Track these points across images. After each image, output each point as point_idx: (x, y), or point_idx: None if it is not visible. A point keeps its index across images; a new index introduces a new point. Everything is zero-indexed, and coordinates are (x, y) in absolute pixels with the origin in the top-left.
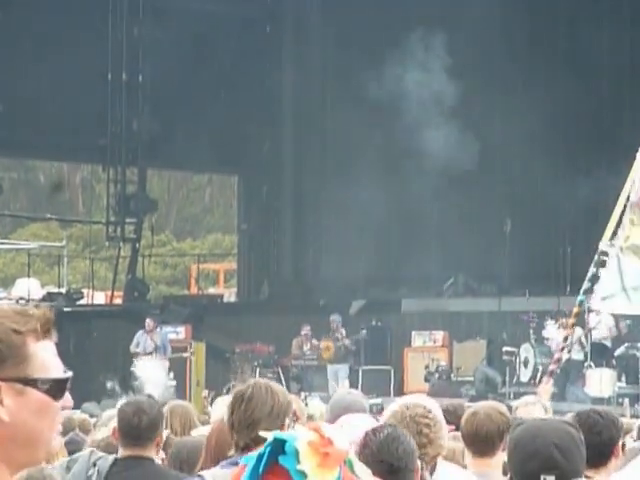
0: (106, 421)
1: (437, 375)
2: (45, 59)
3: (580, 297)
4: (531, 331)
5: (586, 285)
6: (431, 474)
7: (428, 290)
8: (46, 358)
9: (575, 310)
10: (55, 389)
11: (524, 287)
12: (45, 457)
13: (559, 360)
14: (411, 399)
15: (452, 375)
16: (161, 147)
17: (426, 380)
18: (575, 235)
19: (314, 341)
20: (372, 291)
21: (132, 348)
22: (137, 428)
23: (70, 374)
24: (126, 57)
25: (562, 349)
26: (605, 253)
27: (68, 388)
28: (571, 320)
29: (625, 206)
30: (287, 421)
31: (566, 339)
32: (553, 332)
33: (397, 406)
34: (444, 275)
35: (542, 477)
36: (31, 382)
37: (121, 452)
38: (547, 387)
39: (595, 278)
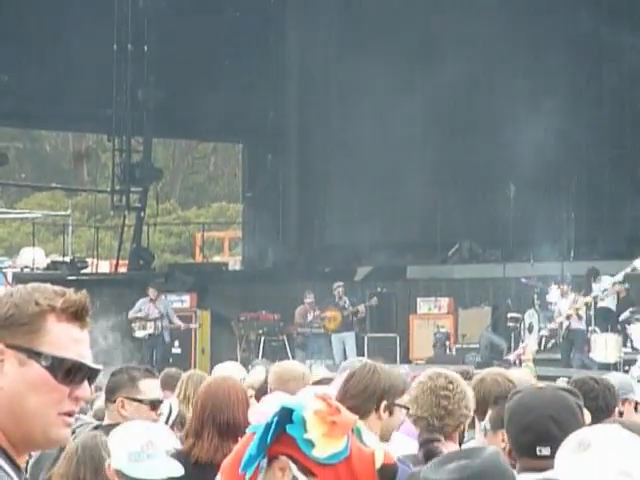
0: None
1: (439, 342)
2: (50, 30)
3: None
4: (535, 296)
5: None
6: (460, 444)
7: (433, 257)
8: (61, 338)
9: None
10: (58, 368)
11: (528, 252)
12: (44, 443)
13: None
14: (436, 370)
15: (448, 343)
16: (166, 116)
17: (434, 347)
18: (579, 200)
19: (317, 309)
20: (377, 258)
21: (131, 314)
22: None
23: (89, 362)
24: (131, 27)
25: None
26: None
27: (90, 380)
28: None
29: None
30: (384, 403)
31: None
32: (557, 297)
33: (423, 376)
34: (449, 241)
35: (537, 449)
36: (34, 355)
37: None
38: (530, 347)
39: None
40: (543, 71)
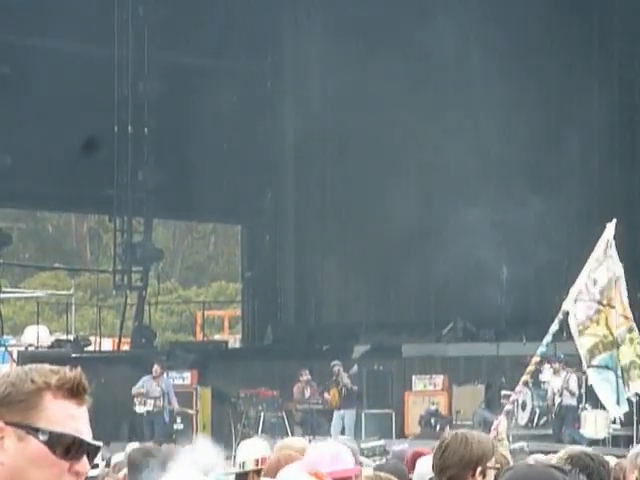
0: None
1: (432, 419)
2: (52, 112)
3: (541, 349)
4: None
5: (547, 339)
6: None
7: (428, 335)
8: (57, 414)
9: (535, 360)
10: (56, 444)
11: (520, 332)
12: None
13: (514, 402)
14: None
15: (433, 419)
16: (166, 197)
17: (419, 424)
18: (567, 282)
19: (316, 387)
20: (374, 336)
21: (134, 390)
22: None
23: (87, 437)
24: (131, 109)
25: (517, 392)
26: (567, 312)
27: (89, 455)
28: (529, 368)
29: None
30: (479, 469)
31: (526, 383)
32: (549, 376)
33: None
34: (443, 320)
35: None
36: (32, 430)
37: None
38: (502, 425)
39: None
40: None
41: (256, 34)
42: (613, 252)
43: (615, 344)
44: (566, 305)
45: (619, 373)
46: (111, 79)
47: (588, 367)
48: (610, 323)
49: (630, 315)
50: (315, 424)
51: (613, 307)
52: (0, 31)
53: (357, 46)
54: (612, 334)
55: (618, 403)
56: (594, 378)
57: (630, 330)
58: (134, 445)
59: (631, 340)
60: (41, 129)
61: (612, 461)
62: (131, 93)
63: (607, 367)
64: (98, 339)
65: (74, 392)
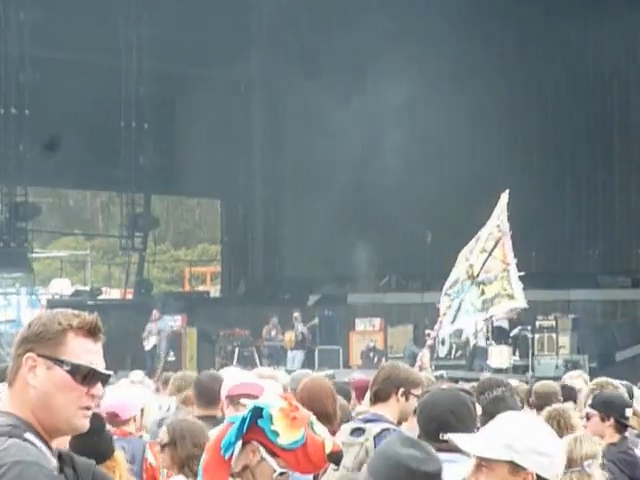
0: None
1: (371, 353)
2: (73, 112)
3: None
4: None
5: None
6: None
7: (368, 286)
8: (78, 349)
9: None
10: (76, 373)
11: (441, 284)
12: (68, 430)
13: (434, 338)
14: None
15: (372, 354)
16: (161, 178)
17: (361, 357)
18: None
19: (279, 329)
20: (325, 287)
21: (144, 335)
22: (213, 391)
23: (101, 369)
24: (134, 108)
25: (436, 330)
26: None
27: (102, 382)
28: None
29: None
30: (402, 390)
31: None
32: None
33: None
34: (381, 274)
35: (440, 435)
36: (58, 362)
37: (197, 412)
38: (425, 357)
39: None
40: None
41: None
42: (504, 215)
43: (472, 280)
44: (466, 256)
45: (463, 303)
46: (118, 84)
47: (445, 294)
48: (481, 265)
49: (509, 261)
50: (278, 357)
51: (490, 253)
52: (33, 46)
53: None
54: (474, 273)
55: (452, 322)
56: (443, 301)
57: (504, 270)
58: (138, 372)
59: (502, 278)
60: (64, 125)
61: (514, 383)
62: (134, 96)
63: (456, 295)
64: (108, 289)
65: (91, 332)
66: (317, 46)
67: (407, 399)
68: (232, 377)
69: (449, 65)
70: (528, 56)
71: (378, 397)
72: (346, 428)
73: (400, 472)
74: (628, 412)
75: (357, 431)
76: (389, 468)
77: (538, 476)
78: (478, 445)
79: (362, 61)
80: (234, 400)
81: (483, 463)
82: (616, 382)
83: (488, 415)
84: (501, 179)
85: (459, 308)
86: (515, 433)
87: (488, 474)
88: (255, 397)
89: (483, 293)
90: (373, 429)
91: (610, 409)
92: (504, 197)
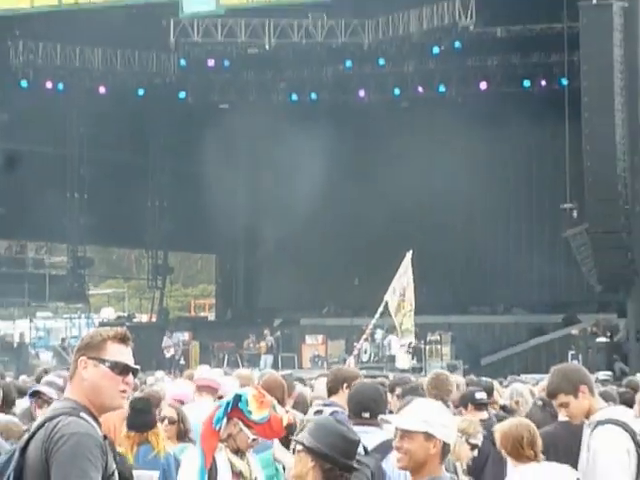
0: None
1: (316, 359)
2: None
3: (373, 321)
4: (372, 336)
5: (377, 316)
6: None
7: (314, 313)
8: (114, 352)
9: (369, 327)
10: (114, 368)
11: (366, 312)
12: (111, 407)
13: (358, 349)
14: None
15: (317, 360)
16: (175, 240)
17: (310, 362)
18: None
19: (255, 341)
20: (285, 314)
21: (163, 345)
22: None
23: (131, 364)
24: (157, 190)
25: (360, 343)
26: (386, 306)
27: (133, 373)
28: (367, 331)
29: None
30: (345, 384)
31: (367, 339)
32: (380, 337)
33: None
34: (322, 305)
35: (362, 414)
36: (101, 361)
37: None
38: (352, 362)
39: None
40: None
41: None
42: (409, 269)
43: (395, 313)
44: (386, 297)
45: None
46: (146, 159)
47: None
48: (400, 307)
49: (412, 303)
50: (254, 361)
51: (403, 298)
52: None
53: None
54: (393, 310)
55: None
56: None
57: (410, 311)
58: (160, 372)
59: (409, 316)
60: (112, 205)
61: (414, 379)
62: (159, 181)
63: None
64: (140, 315)
65: (123, 339)
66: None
67: (350, 389)
68: (199, 373)
69: None
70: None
71: (330, 390)
72: (311, 410)
73: (336, 437)
74: (478, 395)
75: (317, 412)
76: (328, 432)
77: (444, 444)
78: (403, 421)
79: None
80: (199, 389)
81: (406, 434)
82: (482, 379)
83: (405, 400)
84: (400, 241)
85: (386, 331)
86: (428, 412)
87: (409, 442)
88: (213, 388)
89: (401, 325)
90: (327, 410)
91: (466, 399)
92: (408, 255)
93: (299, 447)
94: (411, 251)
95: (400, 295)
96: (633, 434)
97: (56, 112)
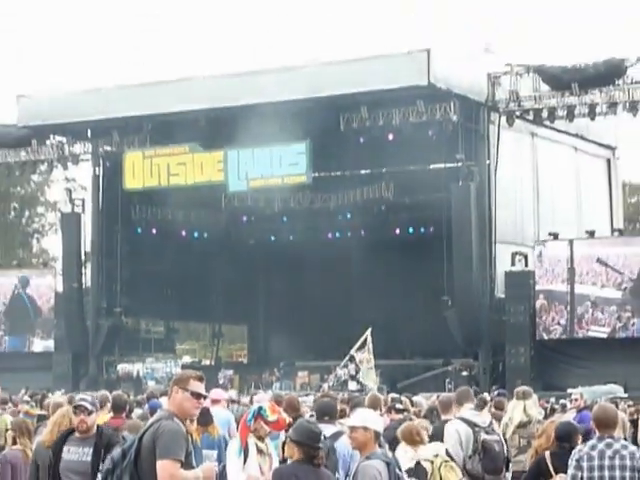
0: None
1: (304, 386)
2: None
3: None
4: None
5: (346, 359)
6: None
7: (303, 358)
8: (194, 386)
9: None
10: (193, 394)
11: (335, 359)
12: (189, 416)
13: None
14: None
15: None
16: (224, 316)
17: (300, 387)
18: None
19: (269, 375)
20: (286, 359)
21: (218, 377)
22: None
23: (202, 392)
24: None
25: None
26: (352, 357)
27: (204, 398)
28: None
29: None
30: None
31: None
32: (341, 373)
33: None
34: (308, 353)
35: (324, 417)
36: (185, 390)
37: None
38: (326, 387)
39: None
40: None
41: None
42: (369, 338)
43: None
44: (352, 351)
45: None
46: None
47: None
48: (359, 361)
49: (372, 359)
50: (268, 387)
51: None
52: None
53: None
54: (358, 365)
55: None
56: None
57: (373, 366)
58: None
59: (372, 369)
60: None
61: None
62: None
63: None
64: (204, 361)
65: (199, 379)
66: None
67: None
68: (214, 393)
69: None
70: None
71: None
72: (306, 415)
73: (307, 431)
74: (397, 405)
75: (311, 416)
76: (302, 429)
77: (375, 432)
78: (351, 421)
79: None
80: (213, 401)
81: (353, 428)
82: (398, 396)
83: (354, 409)
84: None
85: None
86: (365, 415)
87: (355, 432)
88: (218, 401)
89: (366, 375)
90: (307, 416)
91: (390, 407)
92: (368, 331)
93: (288, 439)
94: (370, 328)
95: (361, 357)
96: (473, 425)
97: (159, 248)
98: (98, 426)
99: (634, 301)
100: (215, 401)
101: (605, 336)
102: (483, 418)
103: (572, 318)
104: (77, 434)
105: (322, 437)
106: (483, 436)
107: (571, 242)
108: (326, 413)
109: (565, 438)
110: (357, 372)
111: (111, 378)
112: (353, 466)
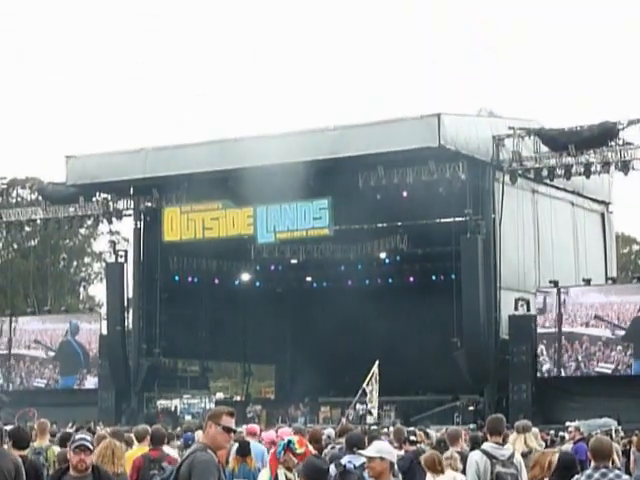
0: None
1: (326, 419)
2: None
3: (355, 400)
4: (353, 408)
5: (360, 393)
6: None
7: (325, 394)
8: (226, 421)
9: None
10: (224, 428)
11: (353, 394)
12: (222, 448)
13: (348, 414)
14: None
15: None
16: (253, 356)
17: (323, 421)
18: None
19: (294, 410)
20: (310, 394)
21: (246, 411)
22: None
23: (233, 427)
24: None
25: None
26: (364, 391)
27: (234, 432)
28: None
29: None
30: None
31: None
32: (359, 407)
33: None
34: (329, 390)
35: (353, 448)
36: (218, 424)
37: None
38: (344, 421)
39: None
40: None
41: None
42: (376, 372)
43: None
44: (364, 385)
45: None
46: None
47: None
48: (369, 391)
49: (377, 396)
50: (293, 420)
51: (371, 389)
52: None
53: None
54: (369, 395)
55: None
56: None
57: (375, 391)
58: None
59: (376, 398)
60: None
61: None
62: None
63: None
64: (236, 397)
65: (231, 414)
66: None
67: (346, 435)
68: (249, 428)
69: None
70: None
71: (339, 434)
72: (329, 447)
73: (313, 469)
74: (412, 437)
75: (332, 448)
76: (311, 465)
77: (390, 462)
78: (368, 452)
79: None
80: (249, 433)
81: (371, 459)
82: (412, 429)
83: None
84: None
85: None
86: (380, 447)
87: (372, 462)
88: (253, 433)
89: (371, 403)
90: (337, 447)
91: (406, 439)
92: (375, 366)
93: (300, 473)
94: (377, 362)
95: (370, 388)
96: (491, 457)
97: (194, 294)
98: (94, 465)
99: (625, 344)
100: (251, 435)
101: (607, 372)
102: (503, 452)
103: (572, 357)
104: (72, 472)
105: (329, 473)
106: (498, 468)
107: (567, 289)
108: (354, 444)
109: (570, 467)
110: (370, 403)
111: (151, 413)
112: None
